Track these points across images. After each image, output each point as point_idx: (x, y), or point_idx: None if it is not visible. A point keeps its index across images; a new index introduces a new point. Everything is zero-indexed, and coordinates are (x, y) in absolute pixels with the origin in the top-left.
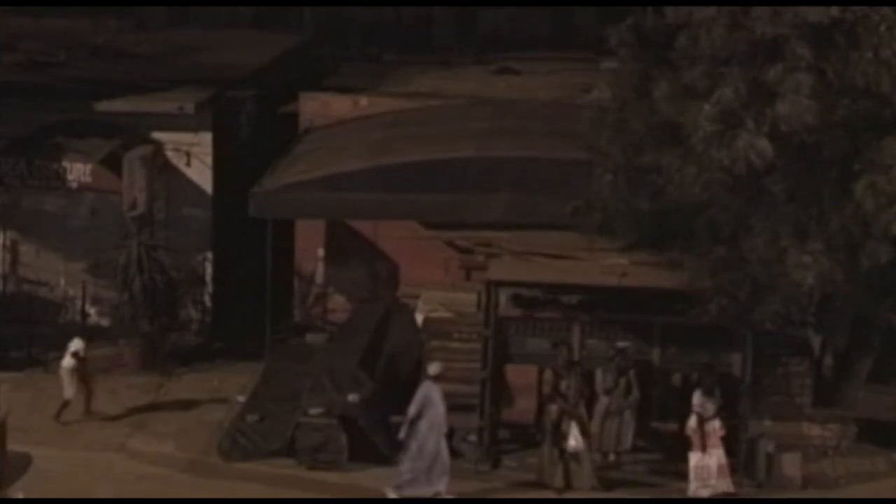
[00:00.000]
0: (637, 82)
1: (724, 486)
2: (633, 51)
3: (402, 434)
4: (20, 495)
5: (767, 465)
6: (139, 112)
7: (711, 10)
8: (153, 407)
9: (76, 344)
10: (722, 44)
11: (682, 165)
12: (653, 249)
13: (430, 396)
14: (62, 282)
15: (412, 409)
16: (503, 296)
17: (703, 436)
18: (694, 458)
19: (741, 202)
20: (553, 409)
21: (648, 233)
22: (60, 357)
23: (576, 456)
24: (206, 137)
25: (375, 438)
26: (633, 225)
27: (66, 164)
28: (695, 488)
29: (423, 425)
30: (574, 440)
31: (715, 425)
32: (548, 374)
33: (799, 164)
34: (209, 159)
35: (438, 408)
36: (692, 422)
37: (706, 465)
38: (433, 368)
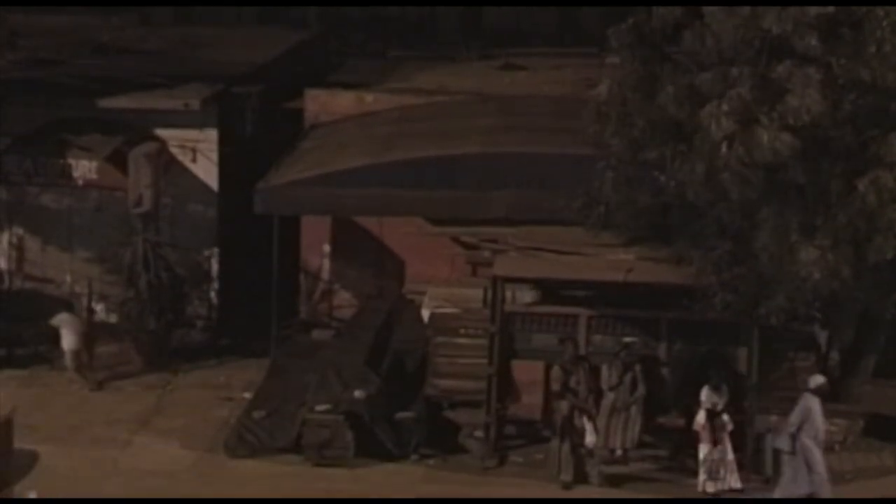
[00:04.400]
0: (640, 81)
1: (732, 481)
2: (634, 51)
3: (786, 447)
4: (33, 494)
5: (774, 460)
6: (144, 109)
7: (719, 9)
8: (159, 404)
9: None
10: (729, 42)
11: (690, 163)
12: (658, 245)
13: (811, 408)
14: (68, 279)
15: (793, 421)
16: (509, 291)
17: (713, 430)
18: (703, 451)
19: (751, 197)
20: (564, 405)
21: (652, 228)
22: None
23: (591, 451)
24: (212, 134)
25: (382, 435)
26: (637, 220)
27: (71, 161)
28: (703, 481)
29: (804, 438)
30: (590, 435)
31: (723, 420)
32: (555, 371)
33: (807, 158)
34: (214, 156)
35: (819, 420)
36: (701, 417)
37: (716, 458)
38: (814, 381)
